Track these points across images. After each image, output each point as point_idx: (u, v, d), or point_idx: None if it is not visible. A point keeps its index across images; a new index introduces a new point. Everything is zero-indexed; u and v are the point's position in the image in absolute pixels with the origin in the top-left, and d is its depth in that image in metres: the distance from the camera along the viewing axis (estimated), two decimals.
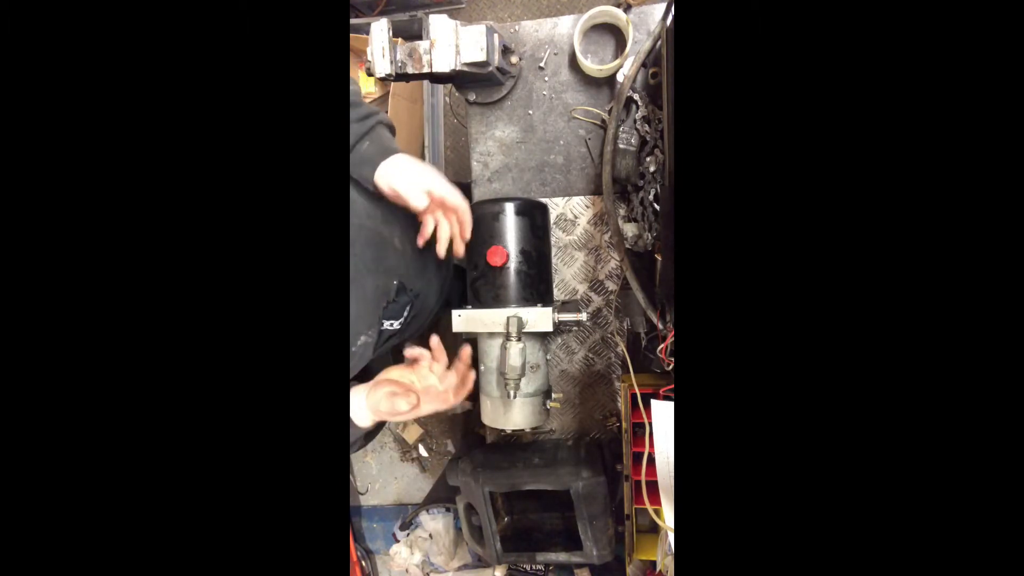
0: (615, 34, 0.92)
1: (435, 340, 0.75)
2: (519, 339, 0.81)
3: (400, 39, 0.80)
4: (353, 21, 1.67)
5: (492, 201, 0.88)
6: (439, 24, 0.80)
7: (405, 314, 0.79)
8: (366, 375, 0.80)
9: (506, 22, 0.97)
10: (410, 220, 0.76)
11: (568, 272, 0.97)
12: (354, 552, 1.66)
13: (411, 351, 0.74)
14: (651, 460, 0.73)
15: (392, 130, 0.77)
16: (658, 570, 0.81)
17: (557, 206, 0.97)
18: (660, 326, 0.80)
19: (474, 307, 0.85)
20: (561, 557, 0.91)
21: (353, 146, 0.72)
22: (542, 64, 0.94)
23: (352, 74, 1.50)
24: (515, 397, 0.82)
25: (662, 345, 0.75)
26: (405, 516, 1.70)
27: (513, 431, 0.93)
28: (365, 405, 0.70)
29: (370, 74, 0.81)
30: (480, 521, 0.92)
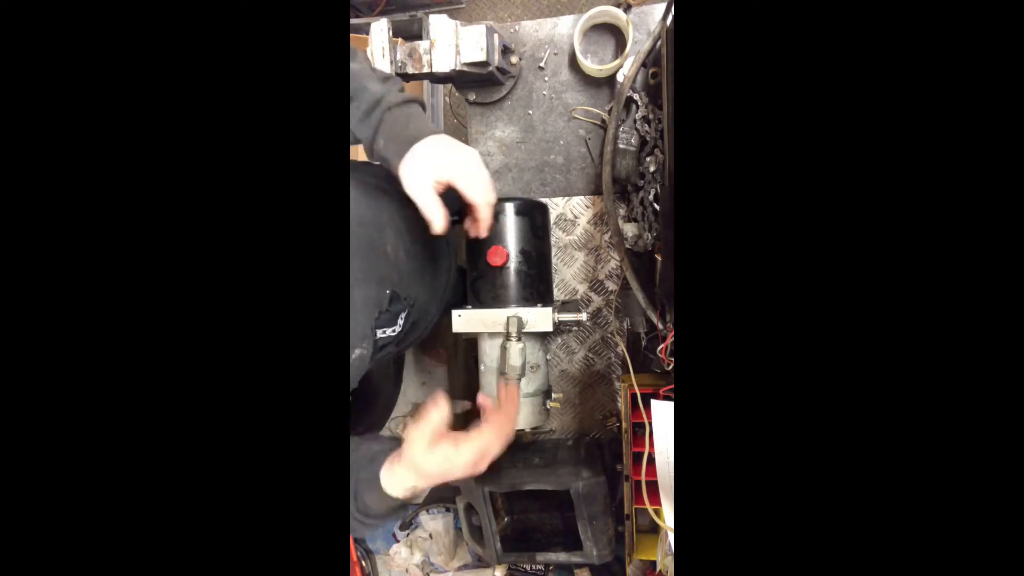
0: (615, 34, 0.92)
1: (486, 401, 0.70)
2: (519, 339, 0.81)
3: (400, 39, 0.81)
4: (353, 21, 1.67)
5: None
6: (439, 24, 0.80)
7: (401, 322, 0.73)
8: (368, 387, 0.77)
9: (506, 22, 0.97)
10: (403, 223, 0.71)
11: (568, 272, 0.97)
12: (354, 552, 1.66)
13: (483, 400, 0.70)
14: (651, 460, 0.73)
15: (409, 103, 0.66)
16: (658, 570, 0.81)
17: (557, 206, 0.97)
18: (660, 326, 0.80)
19: (474, 307, 0.85)
20: (561, 557, 0.91)
21: (369, 148, 0.66)
22: (542, 64, 0.94)
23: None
24: None
25: (662, 345, 0.75)
26: (405, 516, 1.70)
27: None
28: (402, 475, 0.60)
29: None
30: (480, 521, 0.92)
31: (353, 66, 0.65)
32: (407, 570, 1.64)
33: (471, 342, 0.93)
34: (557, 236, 0.97)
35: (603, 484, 0.85)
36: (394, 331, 0.71)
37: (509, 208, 0.85)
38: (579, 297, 0.97)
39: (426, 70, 0.81)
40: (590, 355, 0.98)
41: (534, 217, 0.87)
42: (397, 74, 0.80)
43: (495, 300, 0.85)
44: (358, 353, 0.66)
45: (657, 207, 0.86)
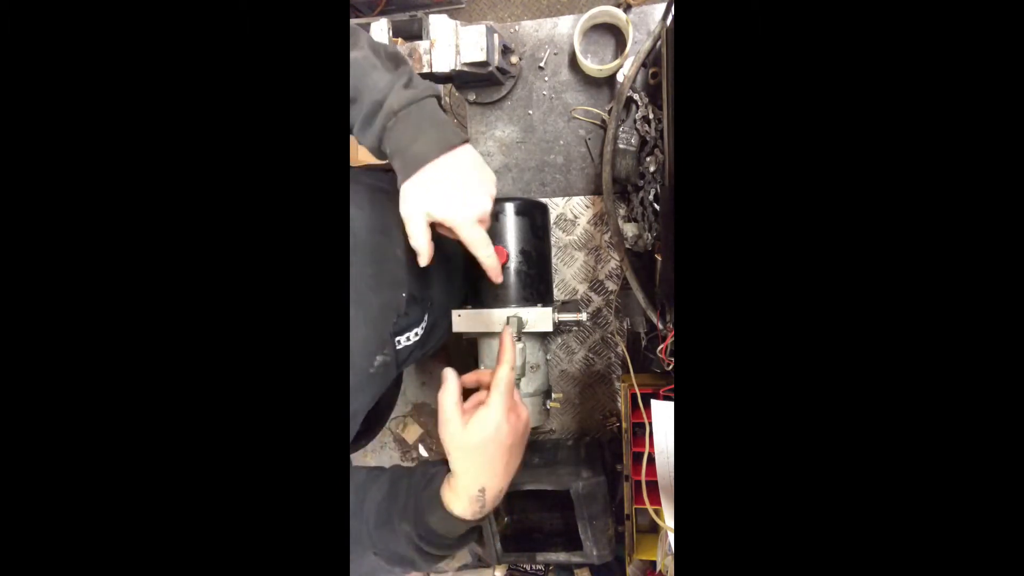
0: (615, 34, 0.92)
1: None
2: (519, 339, 0.81)
3: (400, 39, 0.80)
4: (353, 21, 1.67)
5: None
6: (439, 24, 0.80)
7: (424, 325, 0.72)
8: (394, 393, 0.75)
9: (506, 22, 0.97)
10: None
11: (568, 272, 0.98)
12: None
13: None
14: (651, 460, 0.73)
15: (419, 103, 0.56)
16: (658, 570, 0.81)
17: (557, 206, 0.97)
18: (660, 326, 0.80)
19: (474, 307, 0.86)
20: (561, 557, 0.91)
21: (376, 154, 0.61)
22: (542, 64, 0.94)
23: None
24: None
25: (662, 345, 0.75)
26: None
27: None
28: (457, 493, 0.54)
29: None
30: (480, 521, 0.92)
31: (354, 55, 0.55)
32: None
33: (471, 342, 0.93)
34: (557, 236, 0.97)
35: (603, 484, 0.85)
36: (417, 334, 0.70)
37: (509, 208, 0.85)
38: (579, 297, 0.97)
39: (426, 70, 0.81)
40: (590, 355, 0.98)
41: (534, 217, 0.87)
42: None
43: (495, 300, 0.85)
44: (380, 360, 0.64)
45: (657, 207, 0.86)
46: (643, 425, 0.75)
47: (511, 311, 0.82)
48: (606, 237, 0.95)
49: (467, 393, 0.62)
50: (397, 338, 0.69)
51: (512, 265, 0.84)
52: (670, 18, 0.75)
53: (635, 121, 0.87)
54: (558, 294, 0.97)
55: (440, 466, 0.59)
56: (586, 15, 0.88)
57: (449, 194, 0.54)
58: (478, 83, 0.93)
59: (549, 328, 0.82)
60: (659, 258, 0.81)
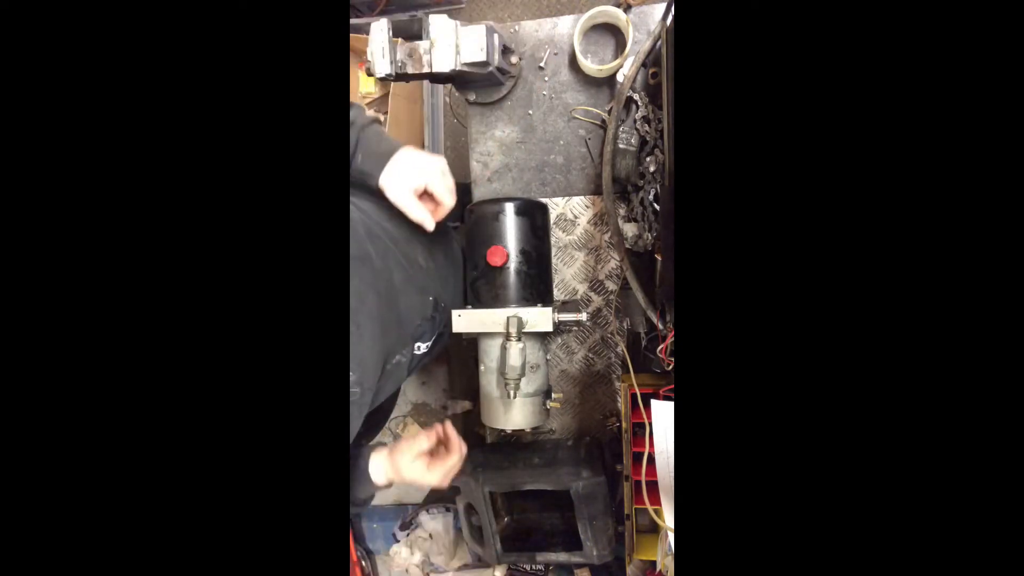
0: (615, 34, 0.92)
1: (451, 432, 0.79)
2: (519, 339, 0.81)
3: (400, 39, 0.80)
4: (353, 21, 1.67)
5: (492, 201, 0.88)
6: (439, 24, 0.80)
7: (436, 333, 0.82)
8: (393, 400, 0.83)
9: (506, 22, 0.97)
10: (429, 235, 0.77)
11: (568, 272, 0.97)
12: (354, 552, 1.66)
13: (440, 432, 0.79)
14: (651, 460, 0.73)
15: (375, 123, 0.76)
16: (658, 570, 0.81)
17: (557, 206, 0.97)
18: (660, 326, 0.80)
19: (474, 307, 0.85)
20: (561, 557, 0.91)
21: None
22: (542, 64, 0.94)
23: (352, 74, 1.50)
24: (515, 397, 0.82)
25: (662, 345, 0.75)
26: (405, 516, 1.70)
27: (513, 431, 0.93)
28: (386, 467, 0.74)
29: (370, 74, 0.81)
30: (480, 521, 0.92)
31: None
32: (407, 570, 1.64)
33: (471, 342, 0.93)
34: (557, 236, 0.97)
35: (603, 484, 0.85)
36: (428, 346, 0.80)
37: (509, 208, 0.85)
38: (579, 297, 0.97)
39: (426, 70, 0.81)
40: (590, 355, 0.98)
41: (534, 217, 0.87)
42: (397, 74, 0.81)
43: (495, 300, 0.85)
44: (397, 359, 0.74)
45: (657, 207, 0.86)
46: (643, 425, 0.75)
47: (511, 311, 0.82)
48: (606, 237, 0.95)
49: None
50: (417, 343, 0.78)
51: (512, 265, 0.84)
52: (670, 18, 0.75)
53: (635, 121, 0.87)
54: (558, 294, 0.97)
55: (364, 451, 0.78)
56: (586, 15, 0.88)
57: (417, 165, 0.71)
58: (478, 83, 0.93)
59: (549, 328, 0.82)
60: (659, 258, 0.81)
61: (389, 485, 0.76)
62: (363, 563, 1.69)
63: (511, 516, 1.00)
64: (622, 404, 0.86)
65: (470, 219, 0.88)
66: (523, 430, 0.91)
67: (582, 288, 0.97)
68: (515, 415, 0.86)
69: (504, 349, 0.81)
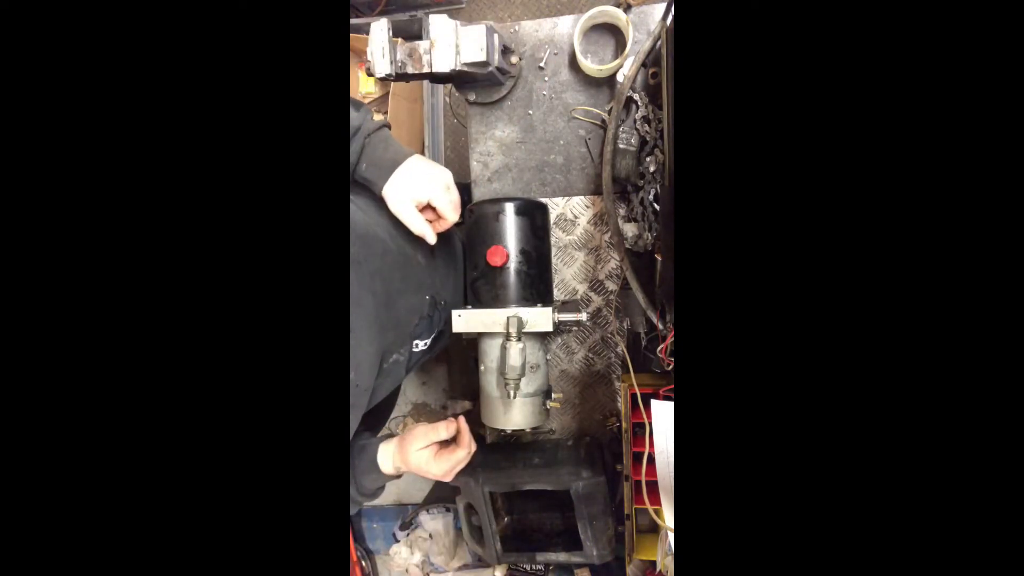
0: (615, 34, 0.92)
1: (464, 425, 0.79)
2: (519, 339, 0.81)
3: (400, 39, 0.80)
4: (353, 21, 1.67)
5: (492, 201, 0.88)
6: (439, 24, 0.79)
7: (434, 332, 0.82)
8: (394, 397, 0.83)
9: (506, 22, 0.97)
10: None
11: (568, 272, 0.97)
12: (354, 552, 1.66)
13: (452, 426, 0.78)
14: (651, 460, 0.73)
15: (382, 128, 0.75)
16: (658, 570, 0.81)
17: (557, 206, 0.97)
18: (660, 326, 0.80)
19: (474, 307, 0.85)
20: (561, 557, 0.91)
21: (352, 169, 0.72)
22: (542, 64, 0.94)
23: (352, 74, 1.50)
24: (515, 397, 0.82)
25: (662, 345, 0.75)
26: (405, 516, 1.70)
27: (513, 431, 0.93)
28: (395, 455, 0.74)
29: (370, 74, 0.81)
30: (480, 521, 0.92)
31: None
32: (407, 570, 1.64)
33: (471, 342, 0.93)
34: (557, 236, 0.97)
35: (603, 484, 0.85)
36: (426, 343, 0.80)
37: (509, 208, 0.85)
38: (579, 297, 0.97)
39: (426, 70, 0.81)
40: (590, 355, 0.98)
41: (534, 217, 0.87)
42: (397, 74, 0.80)
43: (495, 300, 0.85)
44: (394, 358, 0.74)
45: (657, 207, 0.86)
46: (643, 425, 0.75)
47: (511, 311, 0.82)
48: (606, 237, 0.95)
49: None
50: (415, 340, 0.77)
51: (512, 265, 0.84)
52: (670, 18, 0.75)
53: (635, 121, 0.87)
54: (558, 294, 0.97)
55: (372, 440, 0.78)
56: (586, 15, 0.88)
57: (421, 179, 0.70)
58: (478, 83, 0.93)
59: (549, 328, 0.82)
60: (659, 258, 0.81)
61: (399, 475, 0.77)
62: (363, 563, 1.69)
63: (511, 516, 1.00)
64: (622, 404, 0.86)
65: (470, 219, 0.88)
66: (523, 430, 0.91)
67: (582, 288, 0.97)
68: (515, 415, 0.86)
69: (504, 349, 0.81)
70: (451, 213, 0.73)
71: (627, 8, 0.86)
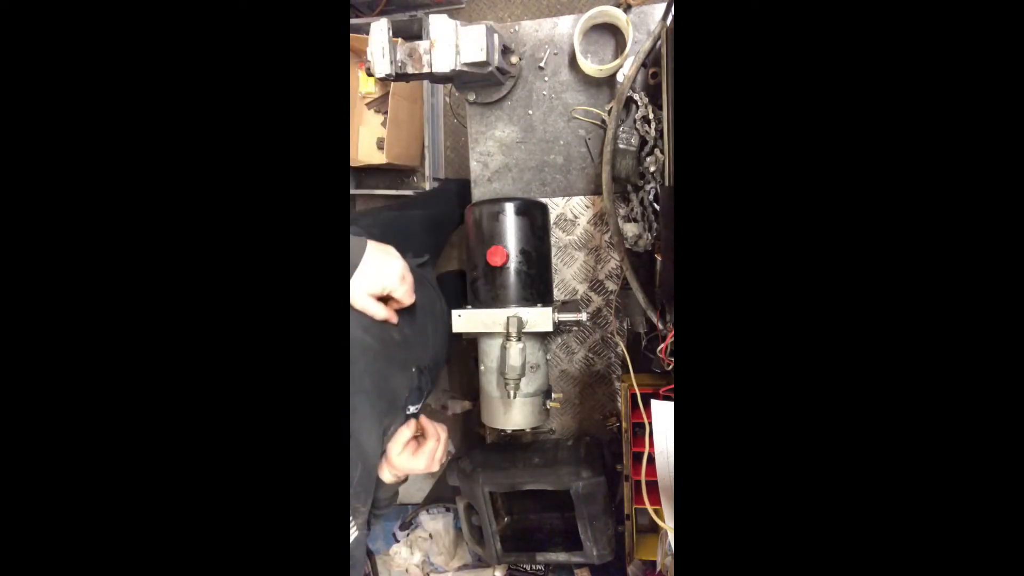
0: (615, 34, 0.92)
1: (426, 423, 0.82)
2: (519, 339, 0.81)
3: (400, 39, 0.80)
4: (353, 21, 1.67)
5: (492, 201, 0.88)
6: (439, 24, 0.80)
7: (424, 394, 0.84)
8: None
9: (506, 22, 0.97)
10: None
11: (568, 272, 0.97)
12: None
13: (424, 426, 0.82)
14: (651, 460, 0.73)
15: None
16: (658, 570, 0.81)
17: (557, 206, 0.97)
18: (660, 326, 0.80)
19: (474, 307, 0.85)
20: (561, 557, 0.91)
21: None
22: (542, 64, 0.94)
23: (352, 74, 1.49)
24: (515, 397, 0.82)
25: (662, 345, 0.75)
26: (405, 516, 1.70)
27: (513, 431, 0.93)
28: (386, 467, 0.78)
29: (370, 74, 0.81)
30: (480, 521, 0.92)
31: None
32: (407, 570, 1.64)
33: (471, 342, 0.93)
34: (557, 236, 0.97)
35: (603, 484, 0.85)
36: (418, 408, 0.83)
37: (509, 208, 0.85)
38: (579, 297, 0.97)
39: (426, 70, 0.81)
40: (590, 355, 0.98)
41: (534, 217, 0.87)
42: (397, 74, 0.80)
43: (495, 300, 0.85)
44: (392, 429, 0.78)
45: (657, 207, 0.86)
46: (643, 425, 0.75)
47: (511, 311, 0.82)
48: (606, 237, 0.95)
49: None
50: (408, 407, 0.80)
51: (512, 265, 0.84)
52: (670, 18, 0.75)
53: (635, 121, 0.87)
54: (558, 294, 0.97)
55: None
56: (586, 15, 0.88)
57: (375, 274, 0.73)
58: (478, 83, 0.93)
59: (549, 328, 0.82)
60: (659, 258, 0.81)
61: (401, 480, 0.81)
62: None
63: (511, 516, 1.00)
64: (622, 404, 0.86)
65: (470, 219, 0.88)
66: (523, 430, 0.91)
67: (582, 288, 0.97)
68: (515, 415, 0.86)
69: (504, 349, 0.81)
70: (407, 298, 0.76)
71: (627, 8, 0.86)
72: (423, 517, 1.66)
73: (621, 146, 0.86)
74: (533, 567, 1.10)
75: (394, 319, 0.77)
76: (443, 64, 0.80)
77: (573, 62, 0.93)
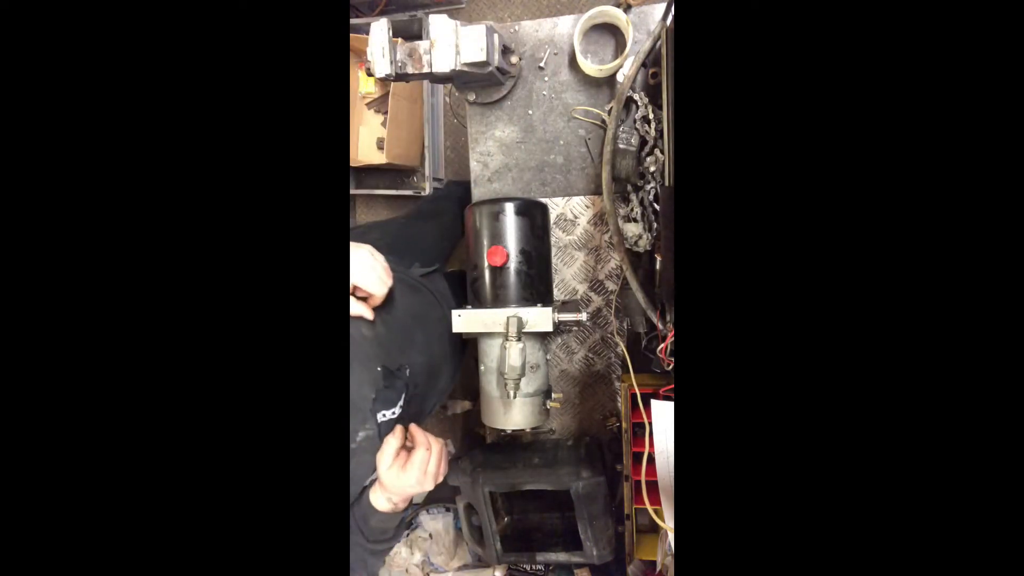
0: (615, 34, 0.92)
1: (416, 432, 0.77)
2: (519, 339, 0.81)
3: (400, 39, 0.80)
4: (353, 21, 1.67)
5: (492, 201, 0.88)
6: (439, 24, 0.79)
7: (401, 399, 0.79)
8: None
9: (506, 22, 0.97)
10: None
11: (568, 272, 0.97)
12: None
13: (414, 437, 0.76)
14: (651, 460, 0.73)
15: None
16: (658, 570, 0.81)
17: (557, 206, 0.97)
18: (660, 326, 0.80)
19: (474, 307, 0.85)
20: (561, 557, 0.90)
21: None
22: (542, 64, 0.94)
23: (352, 74, 1.50)
24: (515, 397, 0.82)
25: (662, 345, 0.75)
26: (405, 516, 1.70)
27: (513, 431, 0.93)
28: (379, 492, 0.73)
29: (370, 74, 0.81)
30: (480, 521, 0.92)
31: None
32: (407, 570, 1.64)
33: (471, 342, 0.93)
34: (557, 236, 0.97)
35: (603, 484, 0.85)
36: (395, 413, 0.77)
37: (509, 208, 0.85)
38: (579, 297, 0.97)
39: (426, 70, 0.81)
40: (590, 355, 0.98)
41: (534, 217, 0.87)
42: (397, 74, 0.80)
43: (495, 300, 0.85)
44: (363, 435, 0.73)
45: (657, 207, 0.86)
46: (643, 425, 0.75)
47: (511, 311, 0.82)
48: (606, 237, 0.95)
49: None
50: (380, 413, 0.75)
51: (512, 265, 0.84)
52: (670, 18, 0.75)
53: (635, 121, 0.87)
54: (558, 294, 0.97)
55: (363, 487, 0.77)
56: (586, 15, 0.88)
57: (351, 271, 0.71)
58: (478, 83, 0.93)
59: (549, 328, 0.82)
60: (659, 258, 0.81)
61: (396, 507, 0.76)
62: None
63: (511, 516, 1.00)
64: (622, 404, 0.86)
65: (470, 219, 0.88)
66: (523, 430, 0.91)
67: (582, 288, 0.97)
68: (515, 415, 0.86)
69: (504, 349, 0.81)
70: (378, 289, 0.73)
71: (627, 8, 0.86)
72: (423, 517, 1.66)
73: (621, 146, 0.86)
74: (533, 567, 1.10)
75: (368, 315, 0.73)
76: (443, 64, 0.80)
77: (573, 62, 0.93)
